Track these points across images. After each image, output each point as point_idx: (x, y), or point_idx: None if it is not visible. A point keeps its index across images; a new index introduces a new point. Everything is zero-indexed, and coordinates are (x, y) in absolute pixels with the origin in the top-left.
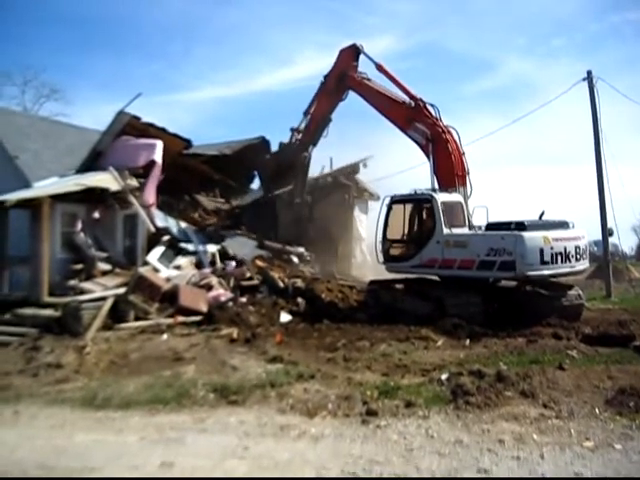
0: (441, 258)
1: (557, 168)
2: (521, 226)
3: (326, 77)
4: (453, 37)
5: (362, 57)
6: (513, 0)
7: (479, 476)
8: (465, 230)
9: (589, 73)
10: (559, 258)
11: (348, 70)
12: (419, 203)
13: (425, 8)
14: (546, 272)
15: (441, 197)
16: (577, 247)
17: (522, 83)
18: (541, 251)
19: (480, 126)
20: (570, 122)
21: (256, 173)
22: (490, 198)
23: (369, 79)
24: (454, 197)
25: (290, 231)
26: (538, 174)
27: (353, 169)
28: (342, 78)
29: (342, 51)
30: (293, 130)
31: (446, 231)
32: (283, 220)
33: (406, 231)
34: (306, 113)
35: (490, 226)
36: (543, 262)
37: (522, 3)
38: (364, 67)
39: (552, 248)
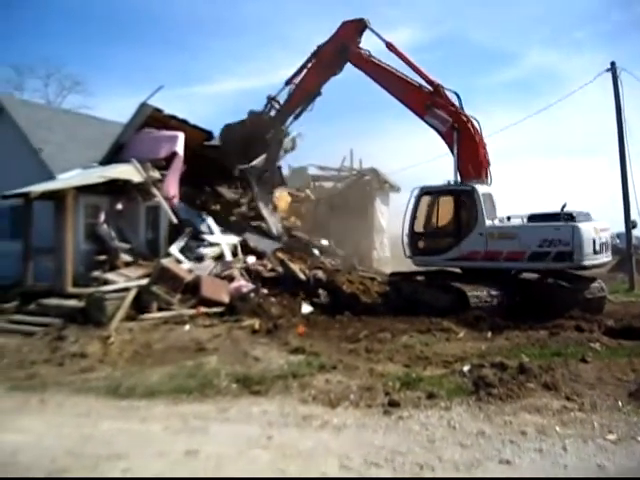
0: (484, 250)
1: (577, 160)
2: (572, 217)
3: (321, 47)
4: (474, 29)
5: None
6: None
7: (501, 467)
8: (508, 222)
9: (613, 64)
10: (604, 248)
11: (350, 44)
12: (457, 194)
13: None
14: (596, 261)
15: (481, 189)
16: (609, 238)
17: (544, 75)
18: (593, 241)
19: (499, 118)
20: (591, 114)
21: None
22: (506, 190)
23: (374, 57)
24: (486, 189)
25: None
26: (557, 166)
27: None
28: (342, 51)
29: (346, 23)
30: (270, 98)
31: (488, 223)
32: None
33: (439, 223)
34: (288, 82)
35: (533, 217)
36: (595, 252)
37: None
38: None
39: (600, 238)
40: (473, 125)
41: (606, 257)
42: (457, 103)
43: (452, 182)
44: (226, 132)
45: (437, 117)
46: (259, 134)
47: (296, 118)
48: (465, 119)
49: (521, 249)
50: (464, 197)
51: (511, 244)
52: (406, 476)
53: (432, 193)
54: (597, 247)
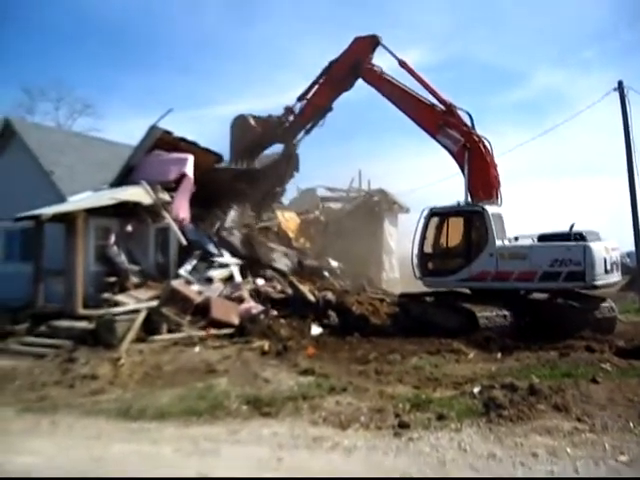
0: (494, 270)
1: (585, 180)
2: (582, 237)
3: (333, 63)
4: (482, 49)
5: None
6: (543, 11)
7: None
8: (516, 242)
9: (620, 83)
10: (614, 267)
11: (363, 60)
12: (467, 215)
13: (454, 20)
14: (607, 281)
15: (490, 209)
16: (621, 257)
17: (551, 95)
18: (604, 261)
19: (510, 139)
20: (600, 133)
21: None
22: (515, 210)
23: (387, 74)
24: (495, 209)
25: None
26: (564, 186)
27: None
28: (354, 67)
29: (358, 39)
30: (287, 109)
31: (499, 243)
32: None
33: (449, 244)
34: (301, 98)
35: (543, 237)
36: (606, 271)
37: (552, 14)
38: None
39: (611, 257)
40: (485, 145)
41: (617, 276)
42: (469, 123)
43: (462, 203)
44: (239, 123)
45: (449, 137)
46: (267, 140)
47: (307, 133)
48: (477, 139)
49: (532, 269)
50: (474, 218)
51: (522, 264)
52: None
53: (441, 214)
54: (608, 266)
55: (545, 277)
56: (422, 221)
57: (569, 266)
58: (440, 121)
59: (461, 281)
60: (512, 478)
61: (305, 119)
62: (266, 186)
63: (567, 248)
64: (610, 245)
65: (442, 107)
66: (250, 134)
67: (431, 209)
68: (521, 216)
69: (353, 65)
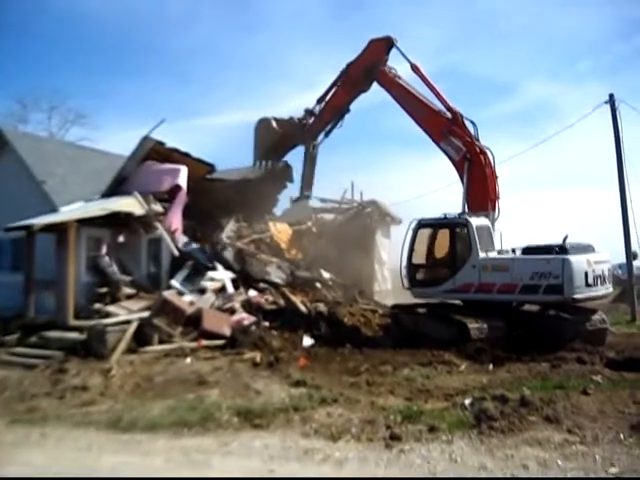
0: (477, 282)
1: (577, 192)
2: (563, 250)
3: (350, 65)
4: (477, 61)
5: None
6: (538, 23)
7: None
8: (503, 254)
9: (611, 96)
10: (598, 280)
11: (379, 63)
12: (452, 227)
13: (448, 32)
14: (589, 294)
15: (475, 221)
16: (609, 270)
17: (544, 107)
18: (585, 274)
19: (500, 150)
20: (592, 146)
21: (254, 144)
22: (508, 222)
23: (400, 77)
24: (483, 221)
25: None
26: (557, 198)
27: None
28: (371, 70)
29: (373, 41)
30: (307, 111)
31: (482, 255)
32: None
33: (436, 255)
34: (320, 101)
35: (528, 250)
36: (587, 285)
37: (547, 26)
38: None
39: (594, 271)
40: (486, 157)
41: (604, 289)
42: (473, 133)
43: (447, 215)
44: (263, 126)
45: (452, 145)
46: (289, 142)
47: (327, 135)
48: (478, 150)
49: (513, 282)
50: (459, 230)
51: (504, 276)
52: None
53: (429, 225)
54: (590, 280)
55: (525, 290)
56: (410, 232)
57: (548, 279)
58: (445, 128)
59: (446, 292)
60: (501, 478)
61: (324, 121)
62: (259, 196)
63: (547, 261)
64: (595, 258)
65: (449, 115)
66: (272, 136)
67: (419, 221)
68: (520, 228)
69: (369, 67)
